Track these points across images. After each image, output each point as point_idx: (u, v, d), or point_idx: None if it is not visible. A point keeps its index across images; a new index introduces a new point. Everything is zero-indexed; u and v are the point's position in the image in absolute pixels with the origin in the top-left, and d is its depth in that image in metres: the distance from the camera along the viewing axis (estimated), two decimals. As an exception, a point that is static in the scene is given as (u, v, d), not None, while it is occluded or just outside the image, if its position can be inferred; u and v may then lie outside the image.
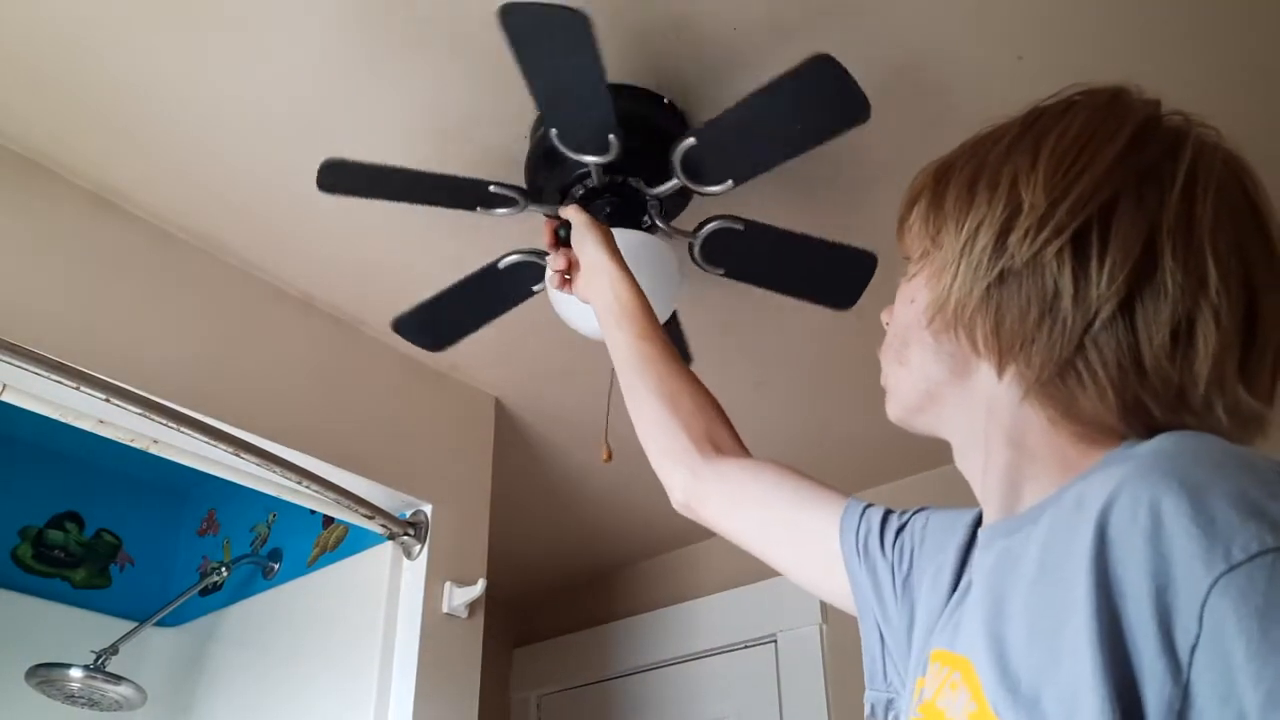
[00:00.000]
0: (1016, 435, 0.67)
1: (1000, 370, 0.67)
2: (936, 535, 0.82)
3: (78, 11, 1.36)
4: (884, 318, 0.82)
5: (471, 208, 1.52)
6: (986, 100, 1.51)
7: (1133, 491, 0.53)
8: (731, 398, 2.34)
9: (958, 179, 0.71)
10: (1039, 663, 0.55)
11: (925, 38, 1.41)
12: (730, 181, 1.42)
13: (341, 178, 1.48)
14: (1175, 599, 0.49)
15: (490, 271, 1.61)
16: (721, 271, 1.60)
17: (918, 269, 0.75)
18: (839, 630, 2.60)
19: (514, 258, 1.59)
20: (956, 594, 0.73)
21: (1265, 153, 1.64)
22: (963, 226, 0.68)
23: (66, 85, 1.48)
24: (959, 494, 2.51)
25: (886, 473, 2.65)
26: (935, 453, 2.83)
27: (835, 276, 1.62)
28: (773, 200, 1.65)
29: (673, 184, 1.46)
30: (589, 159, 1.42)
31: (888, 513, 0.88)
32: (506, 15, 1.20)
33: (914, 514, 0.87)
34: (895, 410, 0.79)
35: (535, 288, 1.64)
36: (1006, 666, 0.57)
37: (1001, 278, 0.65)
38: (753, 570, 2.84)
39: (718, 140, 1.38)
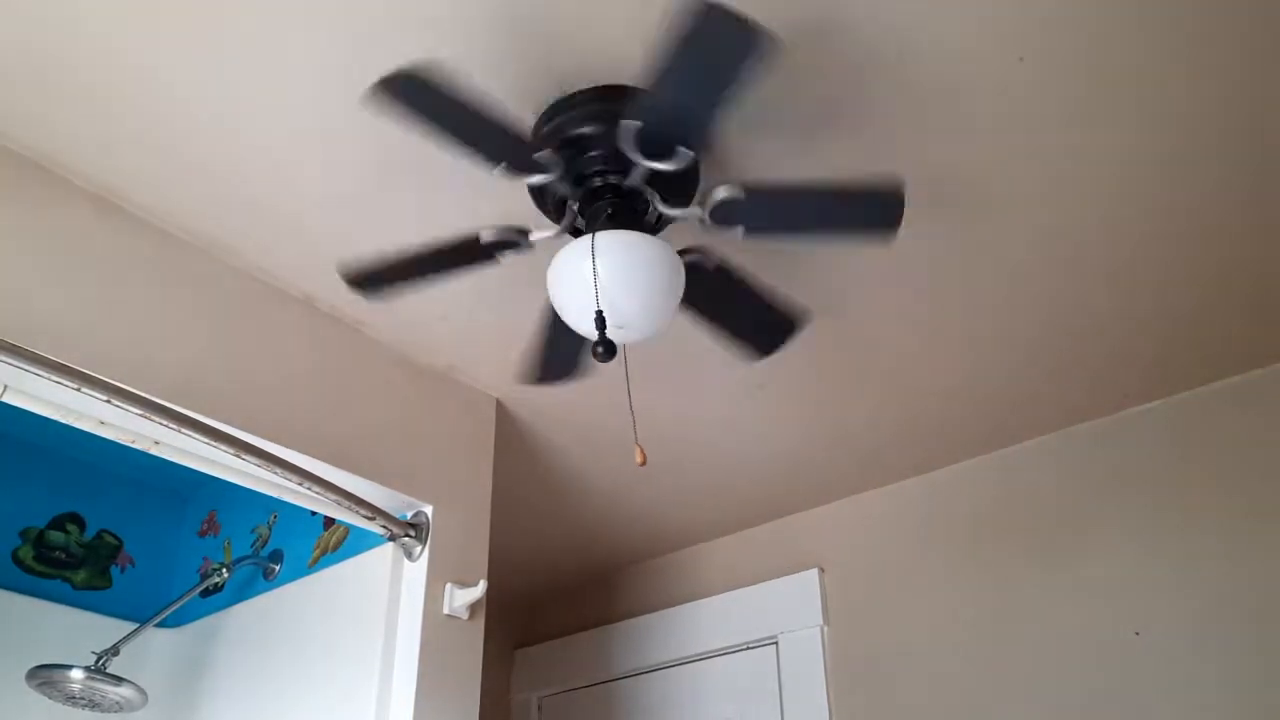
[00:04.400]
0: None
1: None
2: None
3: (81, 13, 1.36)
4: None
5: (490, 259, 1.57)
6: (989, 100, 1.51)
7: None
8: (733, 399, 2.35)
9: None
10: None
11: (928, 38, 1.41)
12: (685, 151, 1.42)
13: (366, 280, 1.61)
14: None
15: (468, 242, 1.61)
16: (740, 231, 1.54)
17: None
18: (840, 632, 2.60)
19: (493, 233, 1.58)
20: None
21: (1267, 147, 1.65)
22: None
23: (69, 87, 1.48)
24: (956, 495, 2.51)
25: (886, 474, 2.65)
26: (934, 454, 2.84)
27: (865, 213, 1.55)
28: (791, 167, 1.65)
29: (640, 170, 1.46)
30: (536, 179, 1.47)
31: None
32: (381, 94, 1.29)
33: None
34: None
35: (500, 256, 1.62)
36: None
37: None
38: (754, 571, 2.85)
39: (654, 114, 1.37)
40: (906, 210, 1.48)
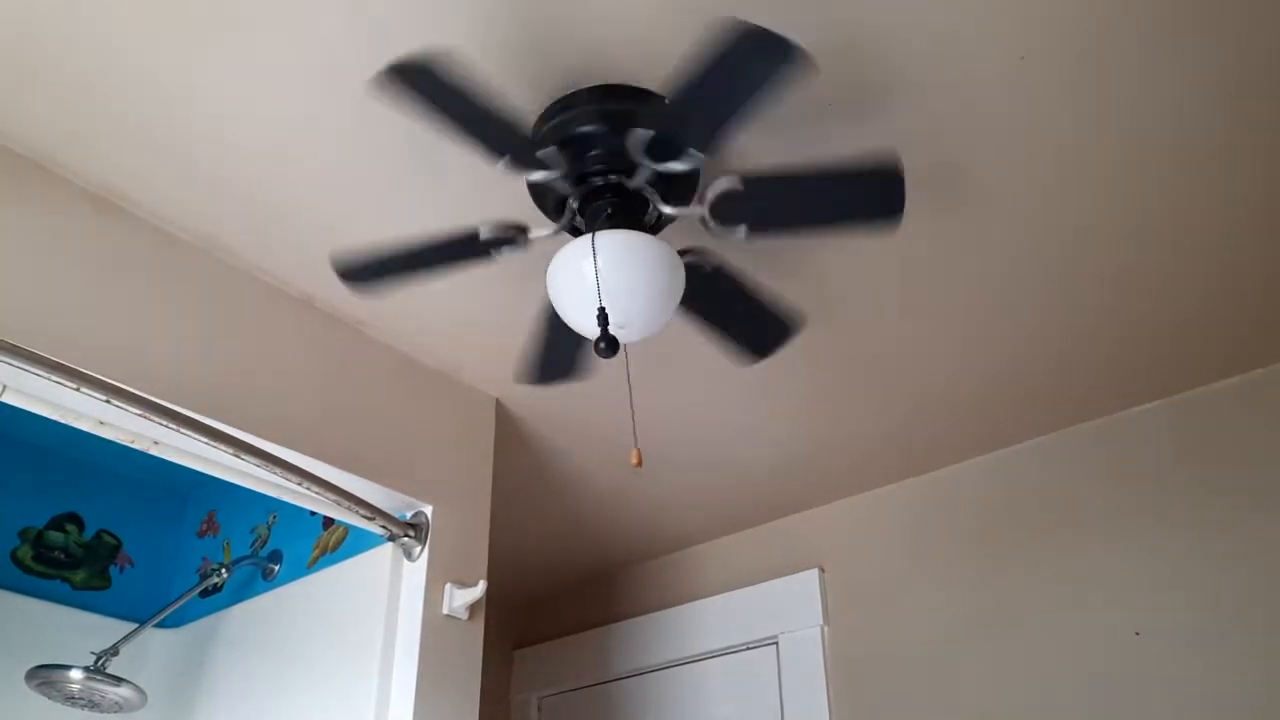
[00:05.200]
0: None
1: None
2: None
3: (81, 12, 1.36)
4: None
5: (486, 256, 1.56)
6: (990, 99, 1.51)
7: None
8: (733, 398, 2.35)
9: None
10: None
11: (929, 37, 1.41)
12: (696, 152, 1.41)
13: (359, 272, 1.59)
14: None
15: (466, 237, 1.60)
16: (743, 230, 1.53)
17: None
18: (840, 632, 2.60)
19: (491, 230, 1.57)
20: None
21: (1268, 146, 1.65)
22: None
23: (69, 87, 1.48)
24: (956, 495, 2.51)
25: (885, 474, 2.64)
26: (934, 455, 2.83)
27: (865, 198, 1.51)
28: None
29: (645, 172, 1.46)
30: (538, 176, 1.45)
31: None
32: (389, 81, 1.28)
33: None
34: None
35: (496, 254, 1.60)
36: None
37: None
38: (754, 571, 2.85)
39: (670, 121, 1.38)
40: (908, 207, 1.47)
